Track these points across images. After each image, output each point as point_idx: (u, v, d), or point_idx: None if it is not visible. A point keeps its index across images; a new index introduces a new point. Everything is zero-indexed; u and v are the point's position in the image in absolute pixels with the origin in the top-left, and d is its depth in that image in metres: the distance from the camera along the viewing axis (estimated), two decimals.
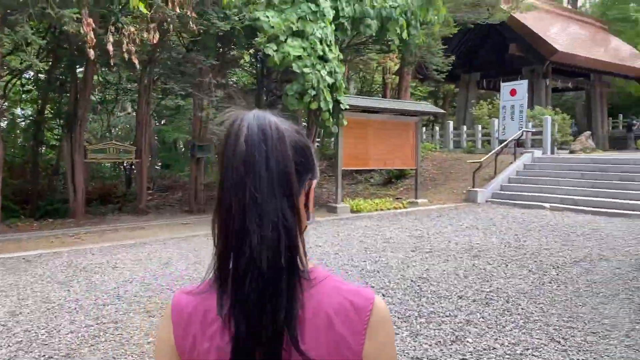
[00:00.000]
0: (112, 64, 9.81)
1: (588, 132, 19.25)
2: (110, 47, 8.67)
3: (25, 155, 16.00)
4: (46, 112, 15.06)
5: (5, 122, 16.33)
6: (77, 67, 12.13)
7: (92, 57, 8.80)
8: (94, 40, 8.55)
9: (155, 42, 9.39)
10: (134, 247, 8.37)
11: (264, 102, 13.84)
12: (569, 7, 32.69)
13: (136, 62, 9.10)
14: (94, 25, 8.64)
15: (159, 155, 28.31)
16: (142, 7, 8.31)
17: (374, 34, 12.04)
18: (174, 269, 6.77)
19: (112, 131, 25.03)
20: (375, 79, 31.24)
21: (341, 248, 8.01)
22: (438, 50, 16.90)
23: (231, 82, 15.20)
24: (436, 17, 13.17)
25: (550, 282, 5.93)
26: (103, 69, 14.31)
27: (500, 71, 23.65)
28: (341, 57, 11.23)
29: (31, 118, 16.65)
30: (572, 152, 17.90)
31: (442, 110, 14.86)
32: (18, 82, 14.91)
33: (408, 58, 16.27)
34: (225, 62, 14.23)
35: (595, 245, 7.99)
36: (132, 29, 8.89)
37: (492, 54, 24.25)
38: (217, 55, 11.90)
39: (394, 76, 27.70)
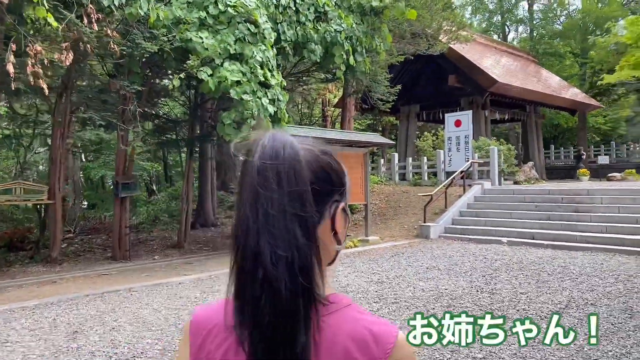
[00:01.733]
0: (13, 89, 8.29)
1: (531, 163, 19.15)
2: (10, 68, 7.26)
3: None
4: None
5: None
6: None
7: None
8: None
9: (68, 63, 8.03)
10: (38, 309, 6.81)
11: (197, 133, 12.57)
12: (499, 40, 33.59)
13: (44, 87, 7.69)
14: None
15: (83, 194, 26.12)
16: (50, 19, 7.02)
17: (318, 60, 11.16)
18: (83, 341, 5.33)
19: (34, 169, 22.74)
20: (314, 112, 30.59)
21: None
22: (384, 79, 16.26)
23: (161, 113, 13.84)
24: (381, 45, 12.50)
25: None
26: (18, 98, 12.61)
27: (439, 103, 23.49)
28: (284, 83, 10.23)
29: None
30: (516, 182, 17.63)
31: (392, 142, 14.12)
32: None
33: (353, 87, 15.52)
34: (154, 90, 12.93)
35: (572, 287, 7.22)
36: (39, 48, 7.50)
37: (431, 85, 24.12)
38: (144, 82, 10.60)
39: (333, 108, 27.13)
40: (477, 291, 7.15)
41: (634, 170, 22.09)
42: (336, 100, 25.59)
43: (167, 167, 26.47)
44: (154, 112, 13.59)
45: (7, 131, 15.44)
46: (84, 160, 26.02)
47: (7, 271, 10.17)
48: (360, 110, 22.73)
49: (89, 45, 8.33)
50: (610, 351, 4.65)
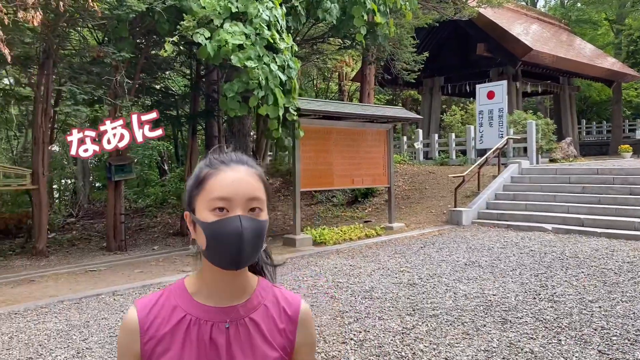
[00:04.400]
0: None
1: (569, 139, 17.49)
2: None
3: None
4: None
5: None
6: None
7: None
8: None
9: (37, 24, 6.72)
10: None
11: (201, 109, 11.21)
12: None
13: (6, 52, 6.40)
14: None
15: (93, 175, 25.10)
16: None
17: (334, 22, 9.69)
18: None
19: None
20: (330, 87, 29.03)
21: None
22: (409, 45, 14.61)
23: (159, 87, 12.49)
24: (407, 3, 10.96)
25: None
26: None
27: (465, 75, 21.80)
28: (295, 48, 8.81)
29: None
30: (552, 160, 16.06)
31: (420, 116, 12.64)
32: None
33: (374, 54, 13.97)
34: (154, 62, 11.59)
35: None
36: None
37: (457, 56, 22.46)
38: (135, 50, 9.25)
39: (351, 83, 25.55)
40: (534, 298, 5.77)
41: None
42: (354, 74, 24.00)
43: (178, 145, 25.23)
44: (153, 87, 12.26)
45: None
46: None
47: None
48: (379, 84, 21.16)
49: (62, 3, 7.00)
50: None
